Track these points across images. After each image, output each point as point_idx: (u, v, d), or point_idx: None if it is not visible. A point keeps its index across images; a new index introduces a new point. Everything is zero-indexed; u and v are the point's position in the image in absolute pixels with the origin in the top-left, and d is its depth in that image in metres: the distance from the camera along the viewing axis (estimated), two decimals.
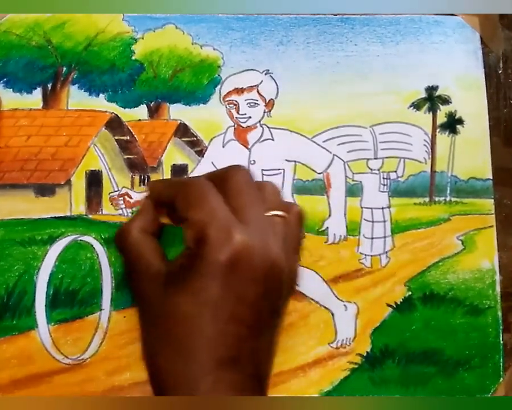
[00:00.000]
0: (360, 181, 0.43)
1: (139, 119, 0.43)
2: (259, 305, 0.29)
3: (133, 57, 0.43)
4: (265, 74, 0.43)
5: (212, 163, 0.42)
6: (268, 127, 0.43)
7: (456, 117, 0.44)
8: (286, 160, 0.43)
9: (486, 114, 0.44)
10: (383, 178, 0.44)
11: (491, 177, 0.44)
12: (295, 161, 0.43)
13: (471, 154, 0.44)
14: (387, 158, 0.44)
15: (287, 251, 0.32)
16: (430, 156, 0.44)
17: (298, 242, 0.35)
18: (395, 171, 0.44)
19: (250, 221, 0.30)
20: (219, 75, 0.43)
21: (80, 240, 0.40)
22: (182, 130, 0.43)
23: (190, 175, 0.42)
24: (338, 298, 0.42)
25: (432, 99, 0.44)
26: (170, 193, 0.33)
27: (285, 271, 0.31)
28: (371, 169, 0.44)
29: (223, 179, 0.32)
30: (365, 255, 0.42)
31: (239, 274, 0.29)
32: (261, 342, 0.30)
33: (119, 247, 0.35)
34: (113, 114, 0.42)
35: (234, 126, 0.43)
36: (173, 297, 0.30)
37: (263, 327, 0.30)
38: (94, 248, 0.40)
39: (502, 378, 0.41)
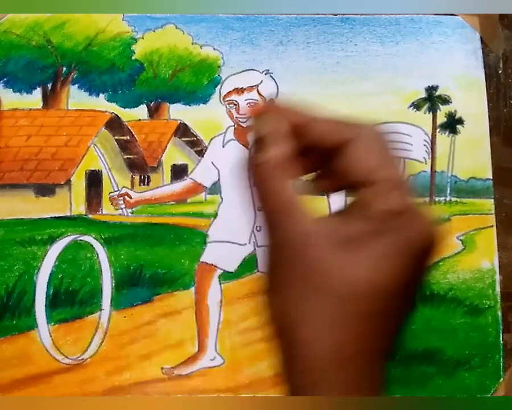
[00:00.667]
0: None
1: (139, 119, 0.43)
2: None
3: (133, 57, 0.43)
4: (265, 74, 0.43)
5: (212, 162, 0.42)
6: None
7: (456, 117, 0.44)
8: None
9: (486, 114, 0.44)
10: None
11: (491, 177, 0.43)
12: None
13: (471, 154, 0.44)
14: None
15: None
16: (430, 156, 0.44)
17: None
18: None
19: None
20: (219, 75, 0.43)
21: (80, 240, 0.40)
22: (182, 130, 0.43)
23: (190, 175, 0.42)
24: None
25: (432, 99, 0.44)
26: (342, 136, 0.27)
27: None
28: None
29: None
30: None
31: (428, 256, 0.28)
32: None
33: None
34: (113, 114, 0.42)
35: (234, 126, 0.43)
36: (360, 266, 0.26)
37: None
38: (94, 248, 0.40)
39: (502, 378, 0.41)
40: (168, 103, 0.43)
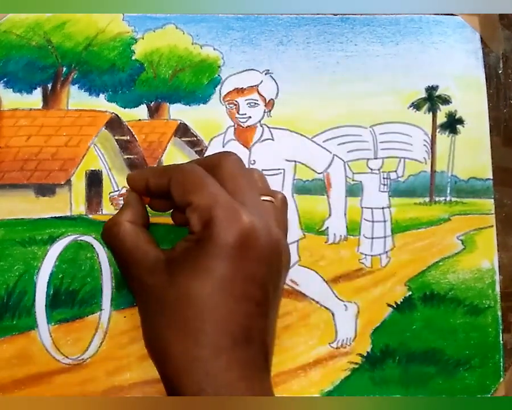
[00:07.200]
0: (361, 181, 0.43)
1: (139, 119, 0.43)
2: (266, 283, 0.30)
3: (133, 57, 0.43)
4: (265, 74, 0.43)
5: None
6: (268, 127, 0.43)
7: (456, 117, 0.44)
8: (286, 160, 0.43)
9: (486, 114, 0.44)
10: (383, 178, 0.44)
11: (491, 177, 0.44)
12: (295, 161, 0.43)
13: (471, 154, 0.44)
14: (387, 158, 0.44)
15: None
16: (430, 156, 0.44)
17: (286, 226, 0.36)
18: (395, 171, 0.44)
19: (248, 203, 0.30)
20: (219, 75, 0.43)
21: (80, 240, 0.40)
22: (182, 130, 0.43)
23: None
24: (338, 298, 0.42)
25: (432, 99, 0.44)
26: (161, 181, 0.32)
27: (285, 251, 0.31)
28: (371, 169, 0.44)
29: (215, 165, 0.32)
30: (365, 255, 0.42)
31: (248, 253, 0.29)
32: (268, 320, 0.30)
33: (110, 242, 0.34)
34: (113, 114, 0.42)
35: (234, 126, 0.43)
36: (181, 281, 0.29)
37: (269, 305, 0.30)
38: (94, 248, 0.40)
39: (502, 378, 0.41)
40: (168, 103, 0.43)
